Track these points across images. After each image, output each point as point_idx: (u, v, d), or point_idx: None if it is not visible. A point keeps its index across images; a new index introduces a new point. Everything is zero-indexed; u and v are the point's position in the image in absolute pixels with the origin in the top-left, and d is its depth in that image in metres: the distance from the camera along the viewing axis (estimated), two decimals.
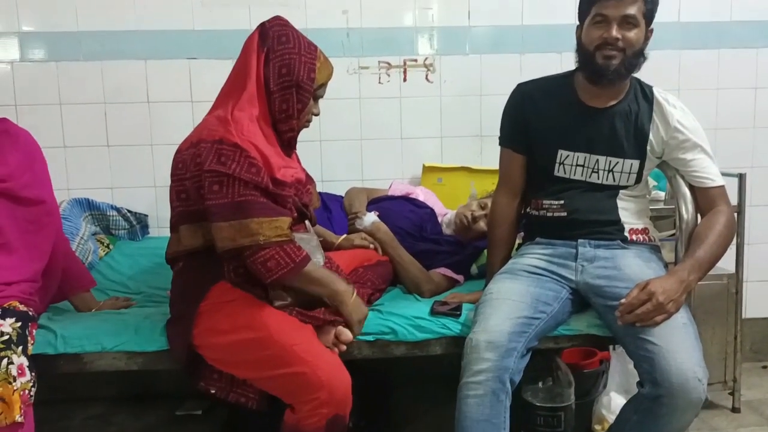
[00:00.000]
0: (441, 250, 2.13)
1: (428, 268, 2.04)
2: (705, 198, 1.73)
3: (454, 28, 2.55)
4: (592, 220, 1.76)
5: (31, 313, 1.60)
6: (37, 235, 1.66)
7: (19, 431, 1.44)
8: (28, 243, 1.64)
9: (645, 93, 1.77)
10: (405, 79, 2.55)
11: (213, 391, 1.57)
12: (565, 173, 1.79)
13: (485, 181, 2.44)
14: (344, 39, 2.50)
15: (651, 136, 1.74)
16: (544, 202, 1.81)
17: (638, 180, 1.78)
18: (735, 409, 2.33)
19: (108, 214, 2.36)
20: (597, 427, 2.08)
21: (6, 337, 1.48)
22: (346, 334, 1.62)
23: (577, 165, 1.77)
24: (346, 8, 2.49)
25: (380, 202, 2.28)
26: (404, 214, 2.21)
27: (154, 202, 2.49)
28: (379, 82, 2.54)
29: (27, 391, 1.47)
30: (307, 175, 1.74)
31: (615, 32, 1.64)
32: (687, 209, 1.74)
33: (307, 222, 1.71)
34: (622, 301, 1.56)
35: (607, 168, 1.76)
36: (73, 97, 2.44)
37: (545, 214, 1.80)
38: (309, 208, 1.72)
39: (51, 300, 1.80)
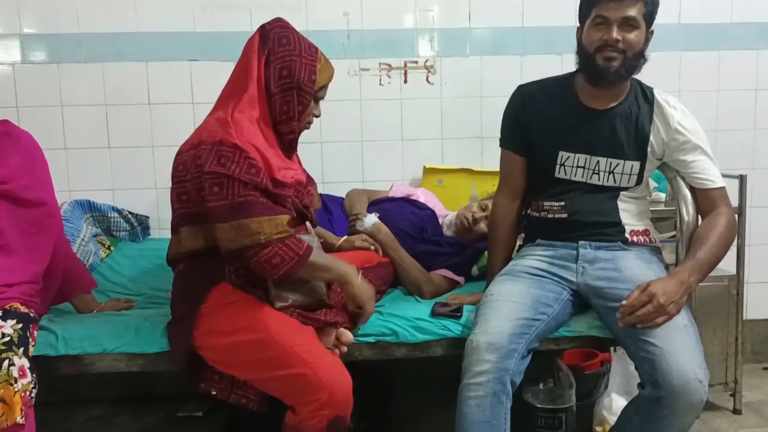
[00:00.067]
0: (442, 252, 2.13)
1: (429, 269, 2.04)
2: (705, 199, 1.73)
3: (455, 30, 2.55)
4: (593, 221, 1.76)
5: (32, 315, 1.59)
6: (38, 237, 1.66)
7: None
8: (29, 245, 1.64)
9: (645, 94, 1.77)
10: (406, 81, 2.55)
11: (214, 393, 1.57)
12: (565, 175, 1.78)
13: (486, 183, 2.44)
14: (345, 41, 2.50)
15: (651, 138, 1.74)
16: (545, 203, 1.81)
17: (639, 181, 1.78)
18: (736, 411, 2.33)
19: (109, 215, 2.36)
20: (598, 428, 2.07)
21: (7, 339, 1.48)
22: (347, 336, 1.63)
23: (577, 166, 1.77)
24: (347, 10, 2.49)
25: (381, 204, 2.28)
26: (405, 216, 2.21)
27: (155, 203, 2.49)
28: (380, 84, 2.54)
29: (28, 393, 1.47)
30: (308, 177, 1.74)
31: (615, 34, 1.64)
32: (687, 211, 1.74)
33: (307, 223, 1.71)
34: (623, 302, 1.56)
35: (607, 169, 1.76)
36: (74, 98, 2.44)
37: (546, 216, 1.80)
38: (310, 210, 1.72)
39: (52, 301, 1.80)
